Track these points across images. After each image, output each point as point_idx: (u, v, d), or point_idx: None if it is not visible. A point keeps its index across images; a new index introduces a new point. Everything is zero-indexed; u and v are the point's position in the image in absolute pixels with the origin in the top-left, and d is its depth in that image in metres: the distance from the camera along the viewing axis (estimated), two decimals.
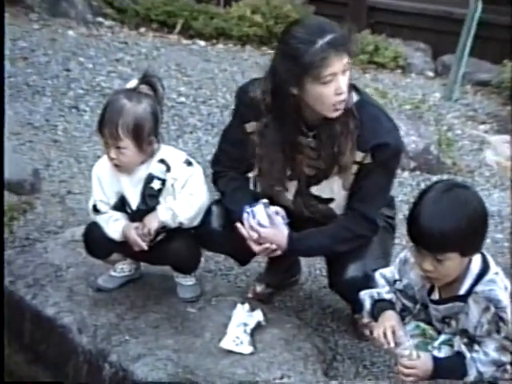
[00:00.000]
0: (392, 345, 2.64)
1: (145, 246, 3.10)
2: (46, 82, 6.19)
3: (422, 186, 4.85)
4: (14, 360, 3.37)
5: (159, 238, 3.17)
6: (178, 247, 3.19)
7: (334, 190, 3.06)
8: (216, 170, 3.22)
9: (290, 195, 3.13)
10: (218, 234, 3.19)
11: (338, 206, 3.10)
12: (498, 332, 2.52)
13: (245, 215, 3.06)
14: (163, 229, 3.14)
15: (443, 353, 2.62)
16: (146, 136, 3.05)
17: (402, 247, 3.46)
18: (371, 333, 2.77)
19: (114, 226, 3.15)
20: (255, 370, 2.93)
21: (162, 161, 3.11)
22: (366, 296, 2.80)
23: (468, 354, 2.56)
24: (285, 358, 3.01)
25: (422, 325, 2.75)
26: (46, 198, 4.37)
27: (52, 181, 4.59)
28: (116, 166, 3.11)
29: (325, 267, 3.56)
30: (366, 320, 2.96)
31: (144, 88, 3.11)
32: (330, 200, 3.09)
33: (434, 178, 4.81)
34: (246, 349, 3.01)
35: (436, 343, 2.67)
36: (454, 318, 2.62)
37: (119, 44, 7.40)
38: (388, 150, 2.95)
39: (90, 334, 3.11)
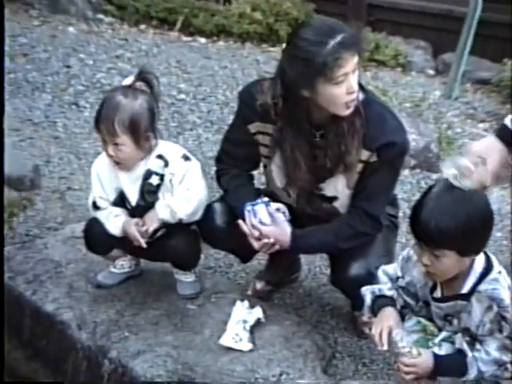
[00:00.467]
0: (385, 348, 2.64)
1: (144, 243, 3.10)
2: (46, 79, 6.20)
3: (422, 184, 4.86)
4: (13, 356, 3.37)
5: (159, 233, 3.17)
6: (177, 244, 3.19)
7: (338, 189, 3.05)
8: (219, 168, 3.22)
9: (294, 193, 3.13)
10: (221, 230, 3.19)
11: (341, 205, 3.09)
12: (501, 331, 2.51)
13: (246, 214, 3.06)
14: (162, 224, 3.14)
15: (444, 350, 2.62)
16: (143, 132, 3.05)
17: (403, 245, 3.47)
18: (370, 330, 2.76)
19: (114, 221, 3.15)
20: (254, 366, 2.93)
21: (159, 156, 3.11)
22: (367, 292, 2.79)
23: (469, 353, 2.55)
24: (284, 355, 3.01)
25: (423, 321, 2.74)
26: (45, 194, 4.37)
27: (52, 177, 4.59)
28: (115, 162, 3.11)
29: (324, 265, 3.56)
30: (365, 317, 2.96)
31: (140, 85, 3.11)
32: (334, 198, 3.08)
33: (434, 176, 4.81)
34: (246, 346, 3.01)
35: (437, 340, 2.66)
36: (456, 317, 2.61)
37: (119, 41, 7.41)
38: (394, 148, 2.95)
39: (89, 331, 3.11)
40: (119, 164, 3.11)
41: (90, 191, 3.27)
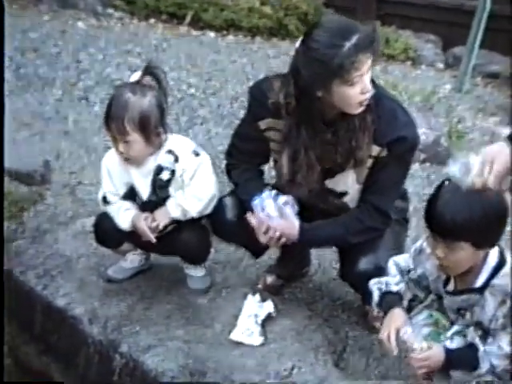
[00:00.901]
0: (395, 353, 2.65)
1: (153, 238, 3.10)
2: (57, 74, 6.20)
3: (432, 178, 4.84)
4: (24, 351, 3.39)
5: (169, 228, 3.17)
6: (187, 238, 3.19)
7: (348, 184, 3.05)
8: (229, 162, 3.22)
9: (304, 188, 3.12)
10: (232, 224, 3.19)
11: (351, 200, 3.09)
12: None
13: (254, 207, 3.05)
14: (173, 220, 3.15)
15: (455, 343, 2.61)
16: (153, 128, 3.05)
17: (412, 239, 3.46)
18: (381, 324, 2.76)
19: (124, 215, 3.15)
20: (266, 360, 2.94)
21: (170, 151, 3.12)
22: (374, 287, 2.79)
23: (481, 347, 2.55)
24: (295, 349, 3.02)
25: (435, 314, 2.74)
26: (56, 188, 4.37)
27: (62, 172, 4.59)
28: (125, 159, 3.11)
29: (335, 259, 3.55)
30: (375, 312, 2.95)
31: (148, 80, 3.10)
32: (344, 194, 3.08)
33: (444, 170, 4.79)
34: (257, 340, 3.01)
35: (449, 333, 2.65)
36: (469, 310, 2.60)
37: (129, 35, 7.41)
38: (405, 143, 2.94)
39: (100, 325, 3.12)
40: (129, 160, 3.11)
41: (100, 186, 3.27)
